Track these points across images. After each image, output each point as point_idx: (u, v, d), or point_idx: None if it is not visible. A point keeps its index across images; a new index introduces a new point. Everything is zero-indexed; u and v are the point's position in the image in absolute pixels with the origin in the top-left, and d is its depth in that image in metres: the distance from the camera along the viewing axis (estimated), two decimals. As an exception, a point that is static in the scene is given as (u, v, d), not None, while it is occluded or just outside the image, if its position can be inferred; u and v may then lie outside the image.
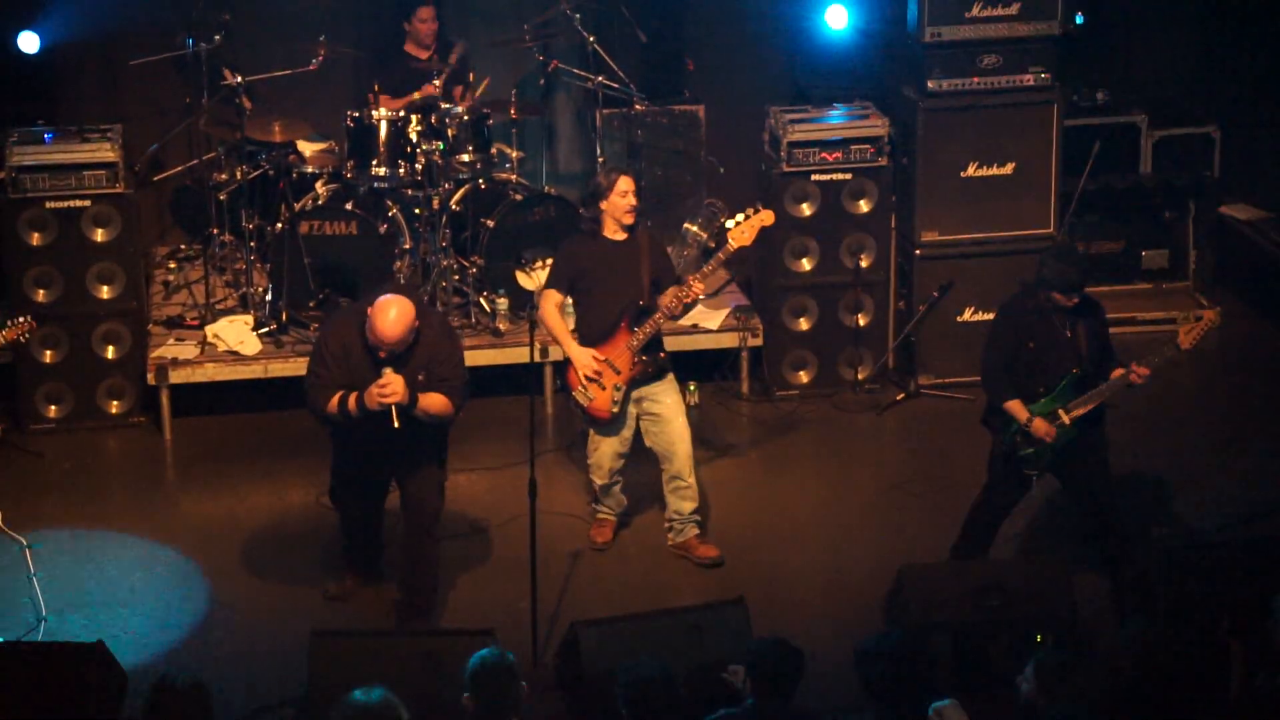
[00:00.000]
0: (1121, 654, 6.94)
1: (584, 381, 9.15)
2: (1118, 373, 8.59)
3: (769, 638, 6.98)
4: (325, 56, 11.25)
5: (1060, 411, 8.59)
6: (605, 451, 9.37)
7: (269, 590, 9.25)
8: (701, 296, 9.22)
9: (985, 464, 8.90)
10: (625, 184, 9.12)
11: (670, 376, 9.32)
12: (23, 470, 10.40)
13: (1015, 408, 8.60)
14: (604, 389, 9.17)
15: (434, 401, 8.40)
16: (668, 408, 9.28)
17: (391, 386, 8.24)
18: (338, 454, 8.87)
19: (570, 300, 9.34)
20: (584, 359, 9.14)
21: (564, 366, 9.32)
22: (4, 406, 10.81)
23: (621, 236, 9.19)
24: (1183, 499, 9.95)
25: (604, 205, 9.12)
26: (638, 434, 9.35)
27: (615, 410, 9.19)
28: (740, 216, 9.21)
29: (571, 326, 9.31)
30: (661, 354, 9.25)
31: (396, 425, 8.28)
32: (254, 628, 8.87)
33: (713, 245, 11.38)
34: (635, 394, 9.23)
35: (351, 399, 8.33)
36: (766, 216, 9.22)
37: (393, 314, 8.25)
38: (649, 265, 9.16)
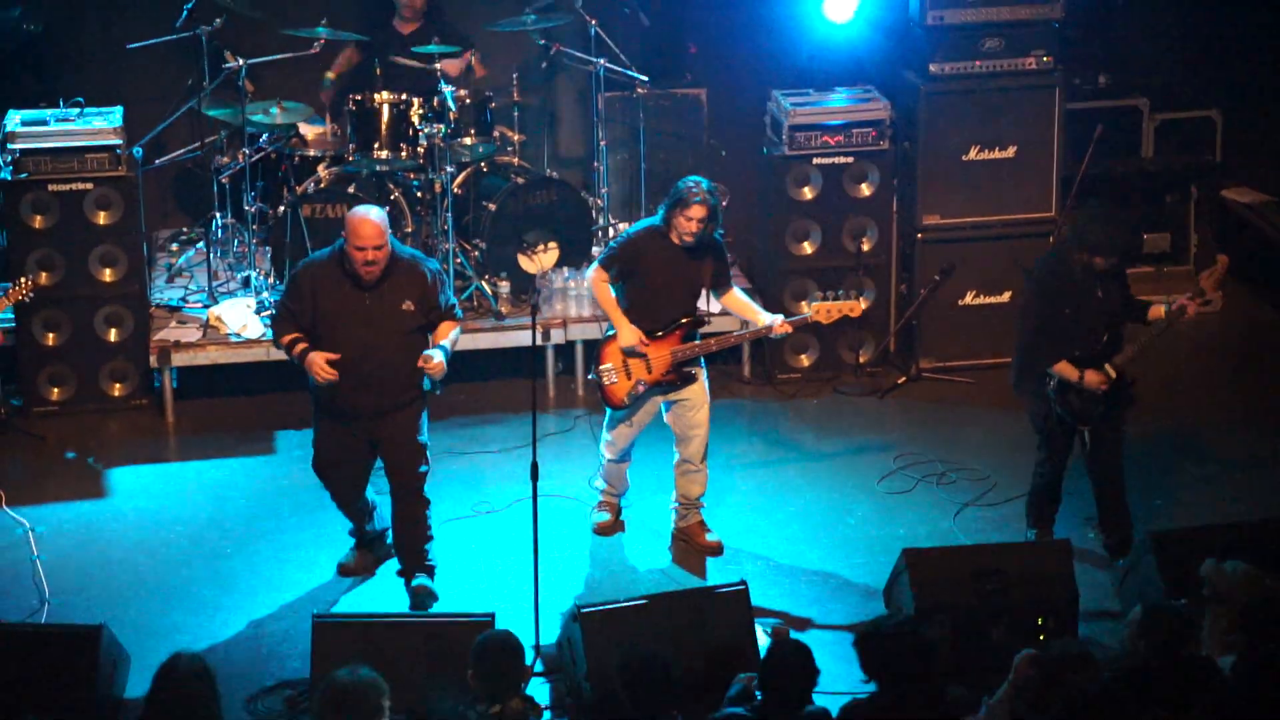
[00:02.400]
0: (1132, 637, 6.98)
1: (617, 358, 9.11)
2: (1157, 313, 8.79)
3: (788, 643, 6.95)
4: (326, 40, 11.25)
5: (1107, 366, 8.73)
6: (623, 430, 9.33)
7: (271, 572, 9.24)
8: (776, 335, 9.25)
9: (1029, 429, 9.11)
10: (695, 211, 8.94)
11: (701, 369, 9.26)
12: (26, 453, 10.39)
13: (1065, 368, 8.75)
14: (629, 378, 9.13)
15: (449, 334, 8.68)
16: (695, 393, 9.22)
17: (435, 362, 8.46)
18: (318, 423, 8.90)
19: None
20: (631, 337, 9.07)
21: (605, 340, 9.22)
22: (7, 389, 10.80)
23: (688, 242, 9.16)
24: (1181, 483, 9.96)
25: (673, 215, 9.03)
26: (657, 415, 9.35)
27: (627, 403, 9.16)
28: (831, 295, 9.14)
29: None
30: (696, 368, 9.20)
31: (438, 394, 8.61)
32: (256, 610, 8.86)
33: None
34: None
35: (299, 347, 8.53)
36: (855, 308, 9.17)
37: (369, 214, 8.52)
38: (709, 279, 9.19)
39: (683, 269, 9.10)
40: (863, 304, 9.30)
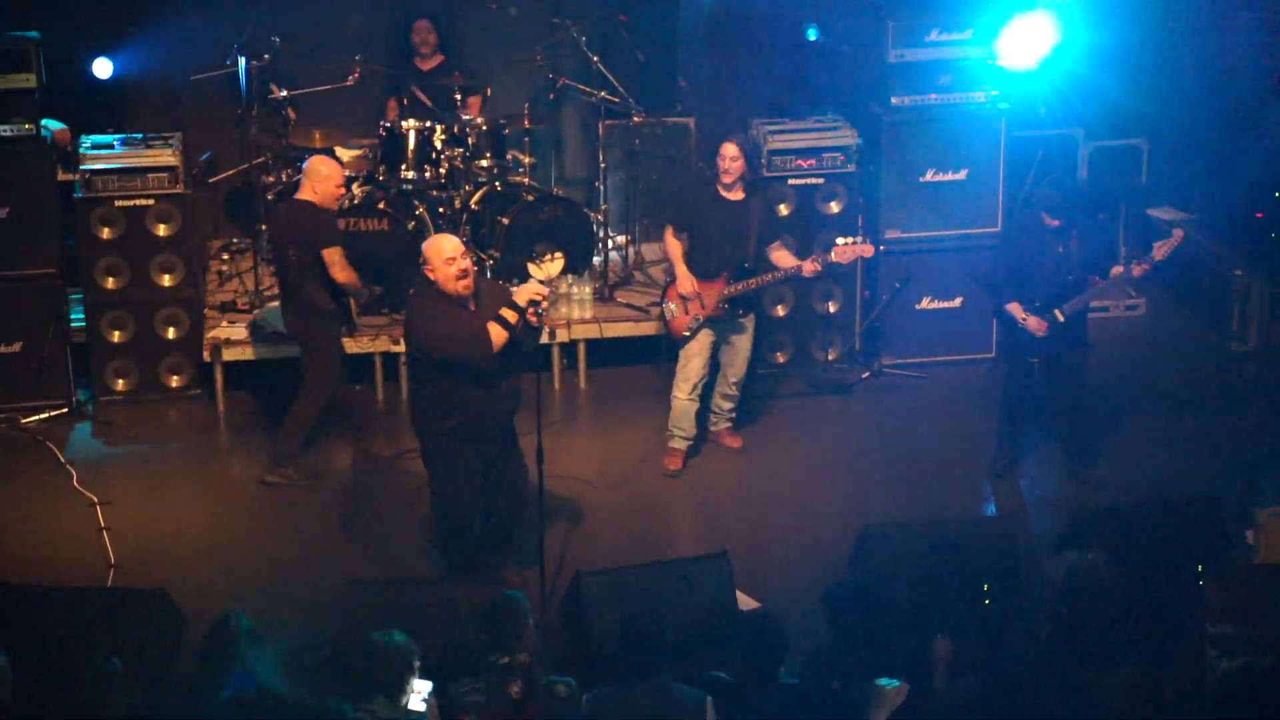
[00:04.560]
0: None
1: (677, 299, 9.54)
2: (1116, 270, 9.18)
3: (758, 613, 6.98)
4: (361, 74, 11.26)
5: (1056, 311, 9.06)
6: (694, 366, 9.66)
7: (307, 543, 9.26)
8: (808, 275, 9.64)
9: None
10: (727, 149, 9.44)
11: (752, 318, 9.77)
12: (95, 437, 10.39)
13: (1014, 309, 9.17)
14: (687, 314, 9.54)
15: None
16: (745, 328, 9.73)
17: (534, 288, 8.00)
18: (453, 468, 8.31)
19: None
20: (686, 282, 9.52)
21: (667, 285, 9.76)
22: (79, 380, 10.80)
23: (737, 196, 9.46)
24: (1110, 463, 9.91)
25: (715, 164, 9.44)
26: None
27: (687, 334, 9.60)
28: (848, 239, 9.52)
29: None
30: (741, 311, 9.62)
31: (543, 326, 8.14)
32: (294, 575, 8.88)
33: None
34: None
35: (508, 312, 7.96)
36: (868, 249, 9.54)
37: (441, 234, 8.45)
38: (756, 229, 9.47)
39: (729, 219, 9.46)
40: (871, 248, 9.63)
